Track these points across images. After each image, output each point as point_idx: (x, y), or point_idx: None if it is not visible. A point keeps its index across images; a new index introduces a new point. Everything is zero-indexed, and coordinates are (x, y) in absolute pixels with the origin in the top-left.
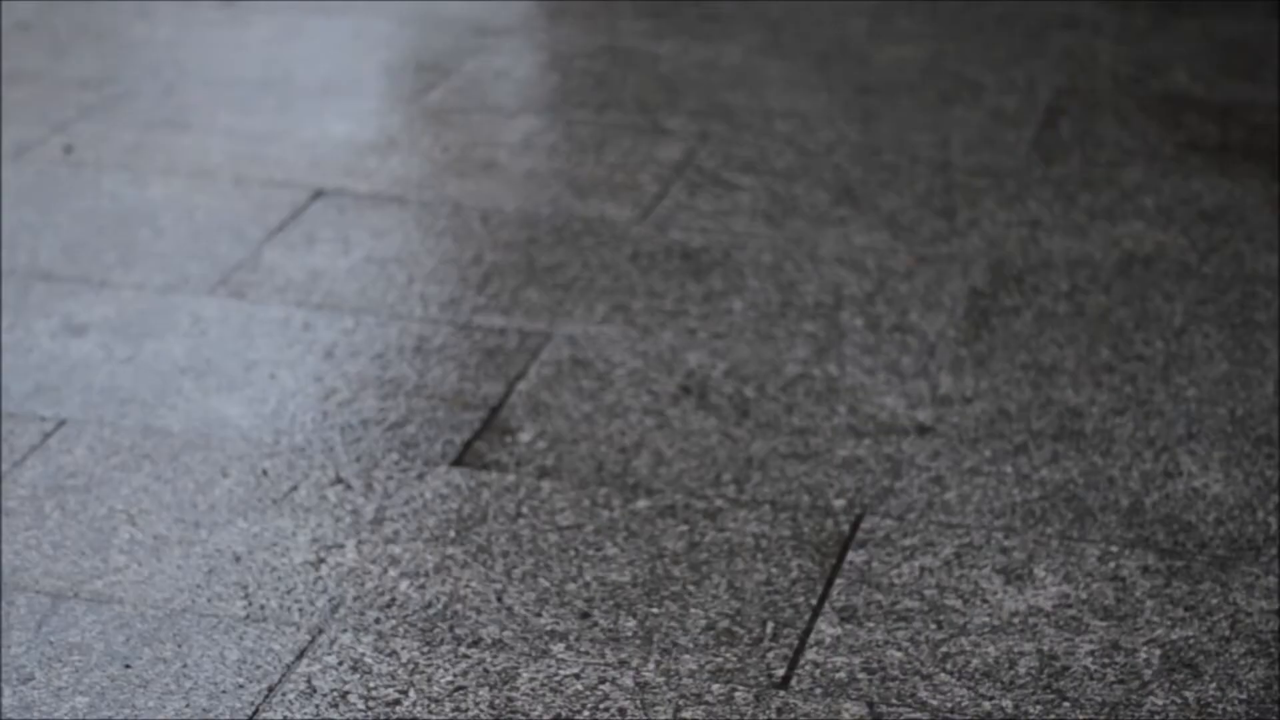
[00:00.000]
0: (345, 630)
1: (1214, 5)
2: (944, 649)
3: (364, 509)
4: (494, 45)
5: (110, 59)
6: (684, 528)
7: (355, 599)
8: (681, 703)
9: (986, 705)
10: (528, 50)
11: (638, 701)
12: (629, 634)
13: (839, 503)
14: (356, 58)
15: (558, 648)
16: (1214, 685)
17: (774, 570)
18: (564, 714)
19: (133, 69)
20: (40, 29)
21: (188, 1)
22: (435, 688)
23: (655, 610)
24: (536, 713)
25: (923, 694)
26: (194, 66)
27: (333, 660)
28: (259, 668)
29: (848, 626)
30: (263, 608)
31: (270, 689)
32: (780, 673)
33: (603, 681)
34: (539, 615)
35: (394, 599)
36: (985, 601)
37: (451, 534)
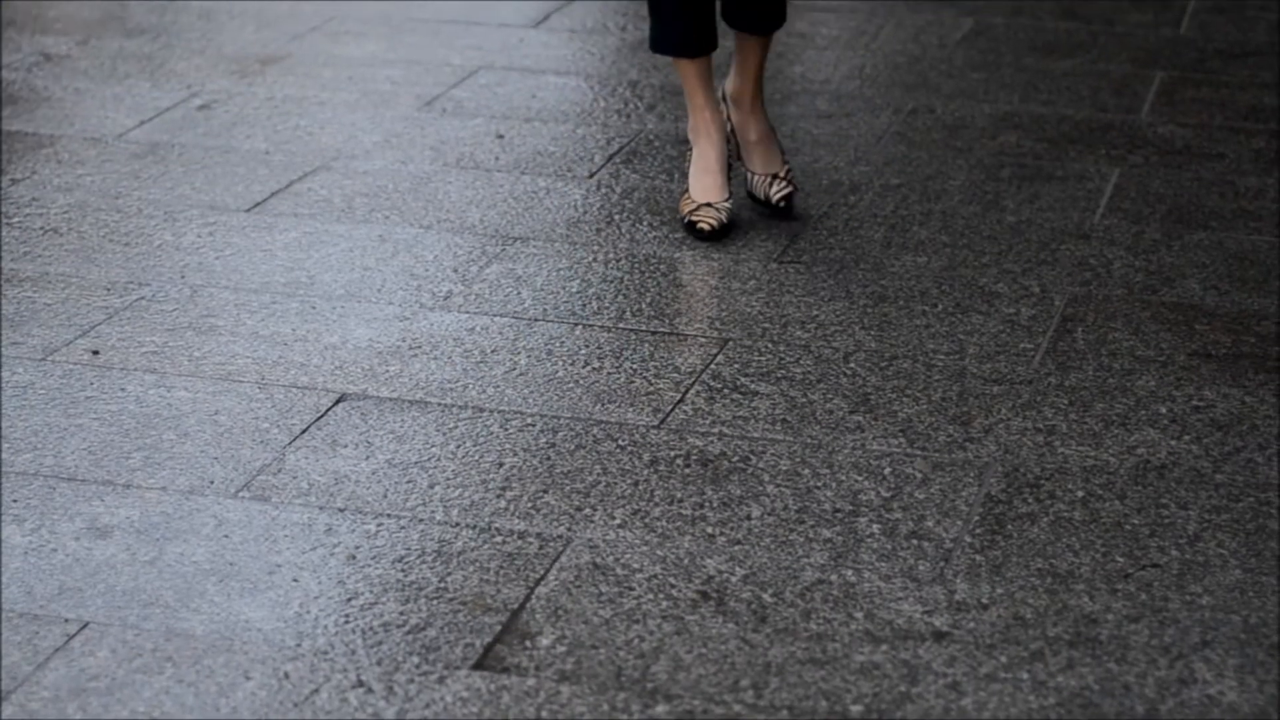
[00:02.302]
0: None
1: (1225, 218)
2: None
3: (385, 712)
4: (515, 252)
5: (136, 263)
6: None
7: None
8: None
9: None
10: (548, 257)
11: None
12: None
13: (856, 709)
14: (380, 263)
15: None
16: None
17: None
18: None
19: (158, 273)
20: (68, 233)
21: (214, 208)
22: None
23: None
24: None
25: None
26: (219, 271)
27: None
28: None
29: None
30: None
31: None
32: None
33: None
34: None
35: None
36: None
37: None
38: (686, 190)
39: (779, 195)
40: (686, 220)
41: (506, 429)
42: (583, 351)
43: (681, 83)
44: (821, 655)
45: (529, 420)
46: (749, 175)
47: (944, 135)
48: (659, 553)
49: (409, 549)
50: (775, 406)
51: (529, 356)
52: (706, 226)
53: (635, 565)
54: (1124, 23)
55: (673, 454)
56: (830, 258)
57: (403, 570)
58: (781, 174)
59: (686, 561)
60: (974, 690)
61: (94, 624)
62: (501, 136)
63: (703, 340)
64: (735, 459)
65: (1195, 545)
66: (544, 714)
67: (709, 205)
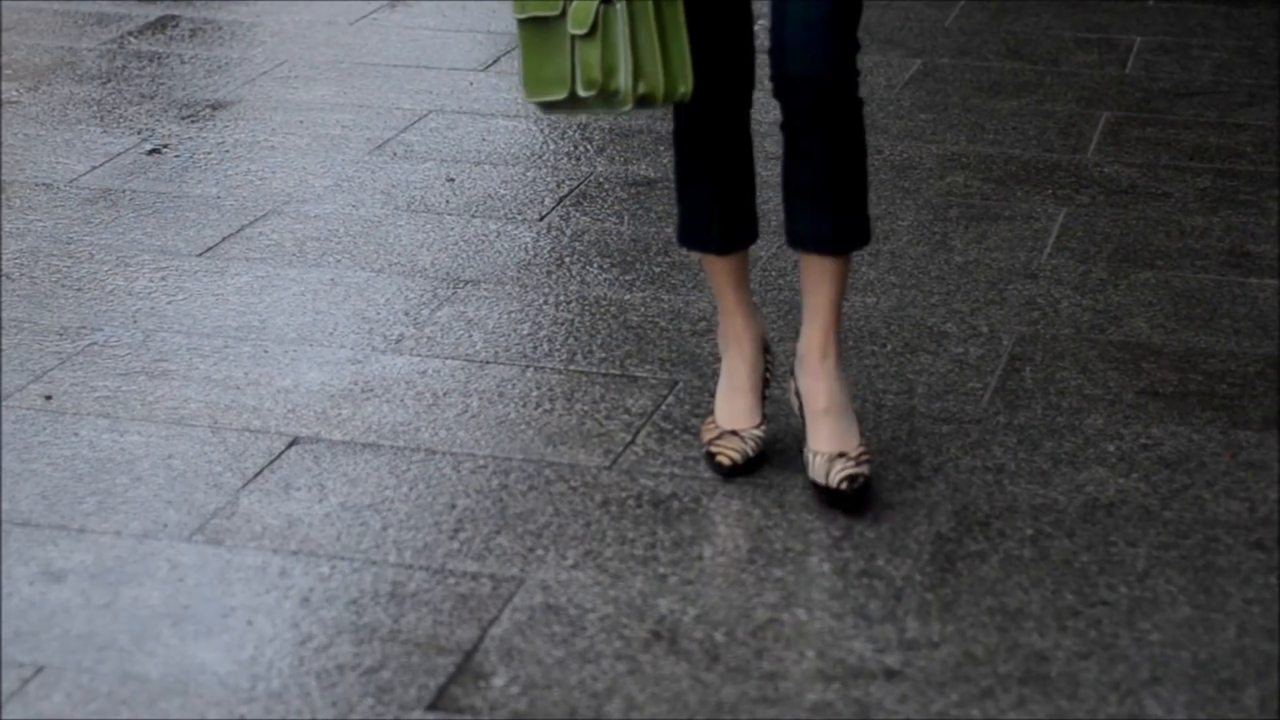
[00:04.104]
0: None
1: (1171, 257)
2: None
3: None
4: (466, 295)
5: (89, 308)
6: None
7: None
8: None
9: None
10: (499, 300)
11: None
12: None
13: None
14: (332, 306)
15: None
16: None
17: None
18: None
19: (111, 318)
20: (20, 279)
21: (165, 253)
22: None
23: None
24: None
25: None
26: (171, 316)
27: None
28: None
29: None
30: None
31: None
32: None
33: None
34: None
35: None
36: None
37: None
38: (712, 414)
39: (841, 476)
40: (706, 450)
41: (459, 471)
42: (534, 393)
43: (710, 282)
44: (774, 694)
45: (481, 462)
46: (810, 455)
47: (892, 176)
48: (611, 593)
49: (362, 591)
50: None
51: (480, 399)
52: (727, 461)
53: (588, 606)
54: (1069, 63)
55: (624, 495)
56: (779, 299)
57: (356, 612)
58: (851, 453)
59: (639, 602)
60: None
61: (49, 668)
62: (452, 180)
63: (653, 382)
64: (686, 499)
65: (1144, 582)
66: None
67: (734, 434)
